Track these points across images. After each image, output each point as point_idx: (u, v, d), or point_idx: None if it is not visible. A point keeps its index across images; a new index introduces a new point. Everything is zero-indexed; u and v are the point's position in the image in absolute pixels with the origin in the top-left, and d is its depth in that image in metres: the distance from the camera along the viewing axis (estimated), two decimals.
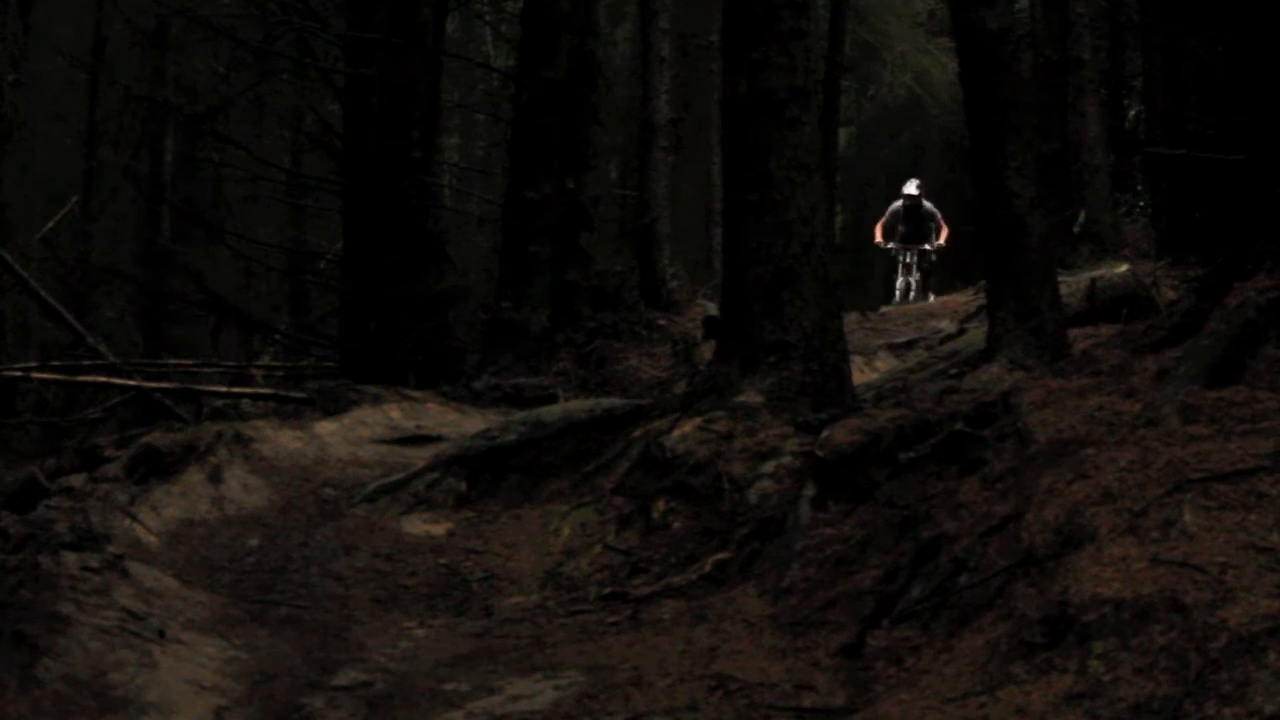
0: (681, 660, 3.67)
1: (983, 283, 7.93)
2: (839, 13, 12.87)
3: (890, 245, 13.70)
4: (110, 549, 4.31)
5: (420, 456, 5.98)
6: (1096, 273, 8.29)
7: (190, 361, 11.55)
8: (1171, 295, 7.32)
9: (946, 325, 9.85)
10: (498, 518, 5.46)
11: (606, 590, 4.58)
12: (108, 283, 14.64)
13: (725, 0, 5.93)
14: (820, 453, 4.43)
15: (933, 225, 13.88)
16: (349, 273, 10.31)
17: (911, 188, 13.76)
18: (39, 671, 3.49)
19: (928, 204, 13.80)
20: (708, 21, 15.61)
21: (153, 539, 4.95)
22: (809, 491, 4.37)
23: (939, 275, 14.99)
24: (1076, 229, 13.01)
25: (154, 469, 5.64)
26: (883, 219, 13.89)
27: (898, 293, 13.75)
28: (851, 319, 10.32)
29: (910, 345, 9.30)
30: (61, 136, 16.25)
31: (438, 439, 6.35)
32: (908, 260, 13.70)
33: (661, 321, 10.66)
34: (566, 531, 5.14)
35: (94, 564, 4.10)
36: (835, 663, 3.49)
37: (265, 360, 12.48)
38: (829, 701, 3.28)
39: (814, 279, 5.62)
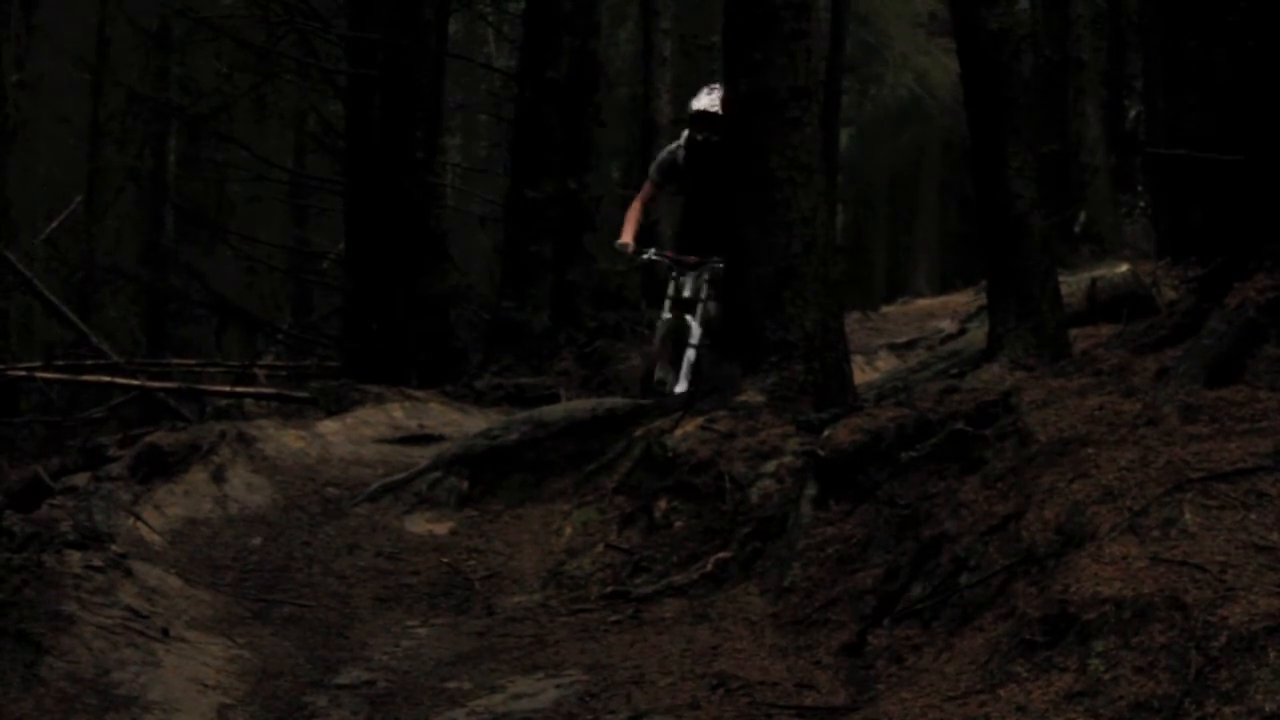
0: (683, 659, 3.68)
1: (983, 283, 7.93)
2: (840, 13, 12.88)
3: (648, 254, 6.80)
4: (114, 548, 4.33)
5: (423, 456, 5.99)
6: (1097, 273, 8.29)
7: (193, 361, 11.58)
8: (1172, 295, 7.32)
9: (947, 325, 9.86)
10: (500, 517, 5.48)
11: (608, 589, 4.59)
12: (111, 283, 14.65)
13: (727, 1, 5.94)
14: (822, 452, 4.44)
15: None
16: (352, 273, 10.33)
17: (713, 98, 6.49)
18: (43, 670, 3.50)
19: None
20: (709, 22, 15.61)
21: (156, 538, 4.96)
22: (810, 491, 4.38)
23: None
24: (1077, 229, 13.01)
25: (157, 468, 5.65)
26: (644, 188, 7.01)
27: (657, 371, 6.51)
28: (852, 319, 10.33)
29: (911, 345, 9.32)
30: (65, 137, 16.27)
31: (440, 438, 6.36)
32: (685, 292, 6.49)
33: None
34: (569, 530, 5.15)
35: (98, 563, 4.11)
36: (836, 661, 3.50)
37: (268, 360, 12.48)
38: (830, 700, 3.29)
39: (815, 279, 5.63)
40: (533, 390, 7.98)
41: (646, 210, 7.03)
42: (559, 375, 8.77)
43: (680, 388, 6.23)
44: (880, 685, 3.23)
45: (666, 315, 6.55)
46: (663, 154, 6.93)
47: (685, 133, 6.77)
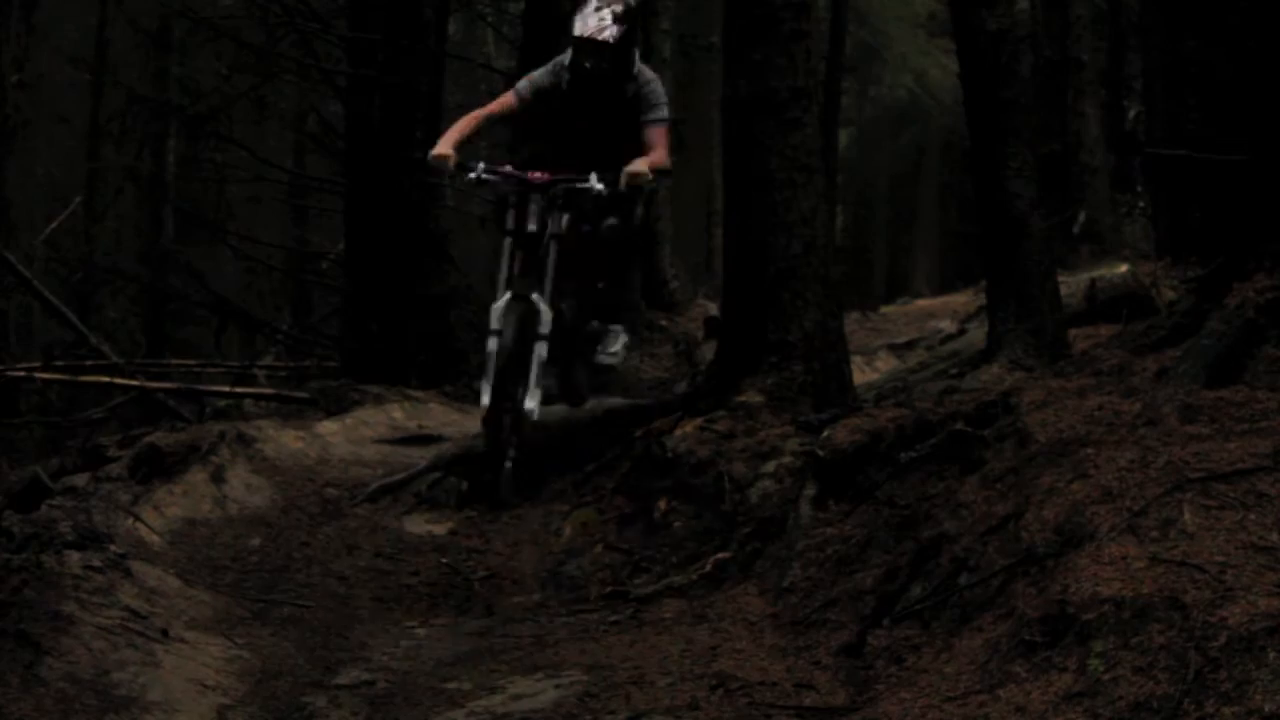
0: (682, 659, 3.68)
1: (983, 283, 7.94)
2: (839, 14, 12.89)
3: (476, 170, 4.72)
4: (113, 548, 4.33)
5: (422, 456, 6.00)
6: (1096, 273, 8.30)
7: (193, 361, 11.57)
8: (1171, 295, 7.32)
9: (947, 325, 9.87)
10: (499, 517, 5.48)
11: (608, 589, 4.60)
12: (110, 283, 14.64)
13: (726, 2, 5.95)
14: (821, 452, 4.44)
15: (640, 131, 4.96)
16: (351, 273, 10.33)
17: (602, 16, 4.78)
18: (42, 670, 3.50)
19: (647, 71, 5.11)
20: (709, 22, 15.63)
21: (155, 538, 4.96)
22: (810, 491, 4.38)
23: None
24: (1076, 229, 13.01)
25: (157, 469, 5.66)
26: (502, 98, 5.13)
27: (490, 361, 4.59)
28: (852, 319, 10.33)
29: (911, 345, 9.32)
30: (65, 137, 16.26)
31: (440, 438, 6.37)
32: (529, 224, 4.64)
33: (663, 321, 10.68)
34: (568, 531, 5.16)
35: (97, 563, 4.11)
36: (836, 662, 3.51)
37: (268, 360, 12.48)
38: (830, 700, 3.29)
39: (815, 279, 5.64)
40: None
41: (489, 126, 5.00)
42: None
43: (530, 404, 4.43)
44: (880, 685, 3.24)
45: (505, 275, 4.45)
46: (543, 72, 4.93)
47: (569, 54, 4.84)
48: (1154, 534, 2.98)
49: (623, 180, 4.62)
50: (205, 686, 3.68)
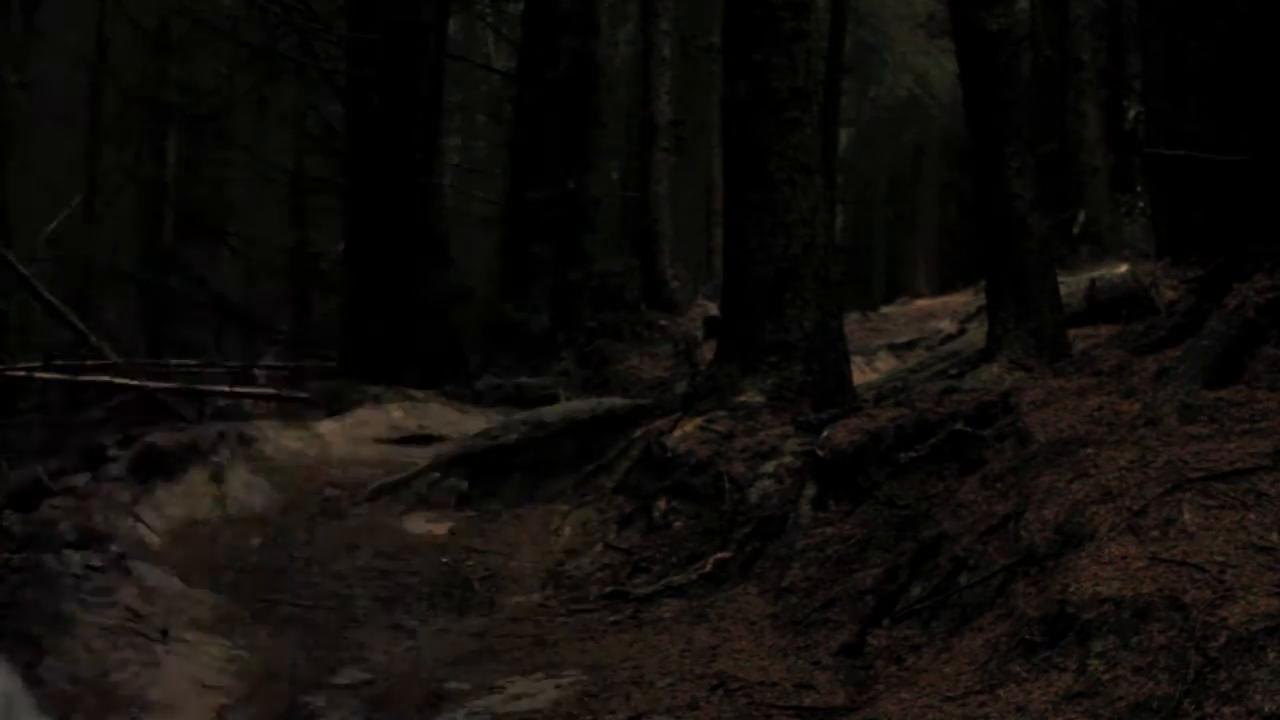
0: (682, 659, 3.69)
1: (983, 283, 7.94)
2: (839, 14, 12.88)
3: None
4: (113, 548, 4.33)
5: (422, 456, 6.00)
6: (1096, 273, 8.30)
7: (193, 361, 11.56)
8: (1171, 295, 7.31)
9: (947, 325, 9.86)
10: (499, 517, 5.48)
11: (608, 589, 4.60)
12: (110, 283, 14.65)
13: (726, 2, 5.95)
14: (821, 452, 4.44)
15: None
16: (352, 273, 10.32)
17: None
18: (42, 671, 3.50)
19: None
20: (709, 23, 15.62)
21: (155, 538, 4.96)
22: (809, 491, 4.39)
23: None
24: (1076, 229, 13.00)
25: (157, 469, 5.66)
26: None
27: None
28: (852, 319, 10.32)
29: (910, 345, 9.32)
30: (65, 138, 16.26)
31: (440, 438, 6.37)
32: None
33: (662, 321, 10.67)
34: (568, 531, 5.16)
35: (97, 563, 4.12)
36: (836, 661, 3.51)
37: (268, 360, 12.48)
38: (829, 700, 3.29)
39: (814, 279, 5.64)
40: (532, 390, 7.99)
41: None
42: (558, 375, 8.78)
43: None
44: (879, 685, 3.24)
45: None
46: None
47: None
48: (1154, 534, 2.98)
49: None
50: (205, 686, 3.68)
